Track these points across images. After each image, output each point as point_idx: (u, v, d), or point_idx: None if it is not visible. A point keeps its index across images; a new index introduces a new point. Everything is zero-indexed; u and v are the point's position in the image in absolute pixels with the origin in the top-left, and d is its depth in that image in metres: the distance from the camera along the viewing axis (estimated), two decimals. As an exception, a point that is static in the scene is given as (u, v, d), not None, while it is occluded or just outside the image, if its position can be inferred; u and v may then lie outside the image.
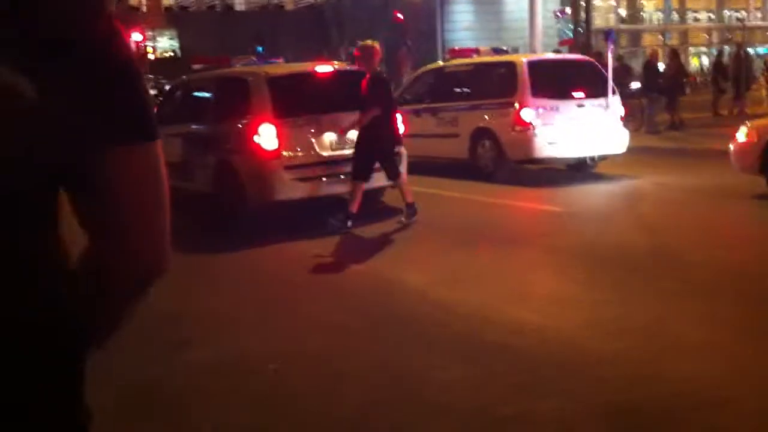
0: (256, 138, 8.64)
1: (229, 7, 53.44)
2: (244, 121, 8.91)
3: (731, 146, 9.50)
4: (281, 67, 10.77)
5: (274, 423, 3.85)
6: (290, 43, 41.00)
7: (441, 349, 4.70)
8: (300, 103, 9.02)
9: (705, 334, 4.77)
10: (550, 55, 12.40)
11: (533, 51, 23.46)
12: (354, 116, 8.51)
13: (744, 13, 65.34)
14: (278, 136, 8.63)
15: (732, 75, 21.15)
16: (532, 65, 11.37)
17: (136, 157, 1.02)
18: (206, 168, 9.39)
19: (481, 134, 11.71)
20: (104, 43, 0.99)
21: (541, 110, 11.07)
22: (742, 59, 21.92)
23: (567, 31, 43.91)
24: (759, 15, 66.34)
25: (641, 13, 62.92)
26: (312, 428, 3.83)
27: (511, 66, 11.57)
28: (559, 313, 5.31)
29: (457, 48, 19.58)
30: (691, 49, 63.01)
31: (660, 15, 63.04)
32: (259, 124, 8.65)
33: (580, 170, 12.05)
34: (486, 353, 4.58)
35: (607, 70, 11.79)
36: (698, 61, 61.69)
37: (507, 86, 11.43)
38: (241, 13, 53.26)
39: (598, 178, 11.70)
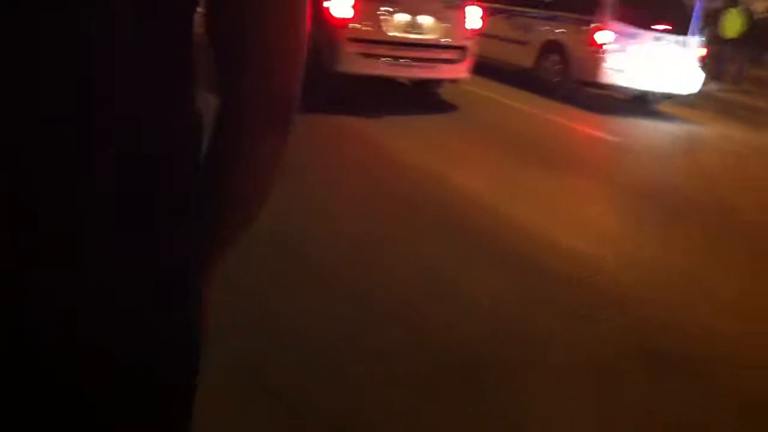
0: (327, 3, 8.41)
1: None
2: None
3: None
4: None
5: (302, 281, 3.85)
6: None
7: (484, 255, 4.65)
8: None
9: (736, 291, 4.70)
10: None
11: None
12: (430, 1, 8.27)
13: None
14: (351, 5, 8.40)
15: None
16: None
17: None
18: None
19: (551, 47, 11.36)
20: None
21: (617, 35, 10.68)
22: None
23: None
24: None
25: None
26: (346, 309, 3.83)
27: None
28: (599, 242, 5.23)
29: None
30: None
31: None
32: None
33: (642, 104, 11.76)
34: (523, 268, 4.53)
35: (694, 7, 11.28)
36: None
37: (587, 3, 11.00)
38: None
39: (660, 116, 11.42)
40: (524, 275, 4.41)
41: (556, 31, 11.32)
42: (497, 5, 12.02)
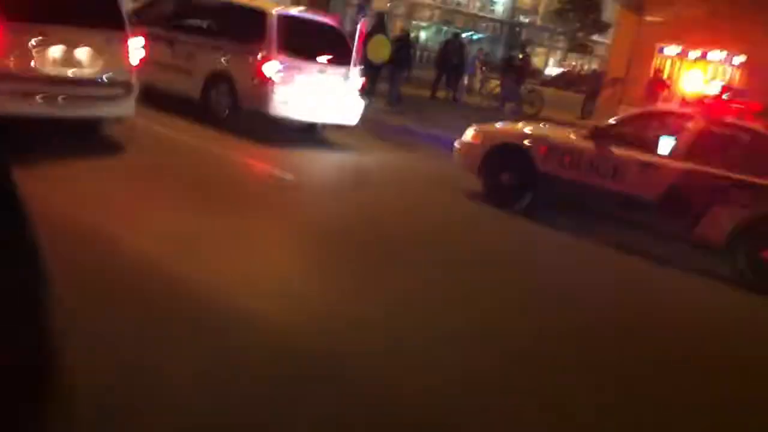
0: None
1: None
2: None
3: (456, 144, 9.96)
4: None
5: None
6: None
7: (166, 329, 4.31)
8: (27, 7, 7.86)
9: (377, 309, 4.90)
10: (301, 12, 12.09)
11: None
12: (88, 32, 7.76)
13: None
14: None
15: (444, 61, 22.25)
16: (282, 19, 11.01)
17: None
18: None
19: (218, 77, 11.17)
20: None
21: (283, 67, 10.78)
22: (457, 48, 23.29)
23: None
24: (478, 4, 70.90)
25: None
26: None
27: (260, 15, 11.08)
28: (294, 307, 5.16)
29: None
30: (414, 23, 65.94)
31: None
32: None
33: (311, 133, 12.03)
34: (209, 337, 4.29)
35: (353, 40, 11.79)
36: (418, 34, 64.77)
37: (253, 34, 10.97)
38: None
39: (328, 145, 11.77)
40: (217, 349, 4.16)
41: (223, 60, 11.17)
42: (162, 32, 11.55)
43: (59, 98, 7.98)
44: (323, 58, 11.30)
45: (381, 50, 16.55)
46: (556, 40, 66.77)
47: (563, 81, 44.78)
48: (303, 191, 8.62)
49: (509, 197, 9.23)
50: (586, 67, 60.24)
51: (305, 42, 11.21)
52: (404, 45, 19.24)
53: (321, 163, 10.67)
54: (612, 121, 8.92)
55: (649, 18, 26.58)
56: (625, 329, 6.01)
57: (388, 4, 61.45)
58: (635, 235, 8.68)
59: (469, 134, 9.77)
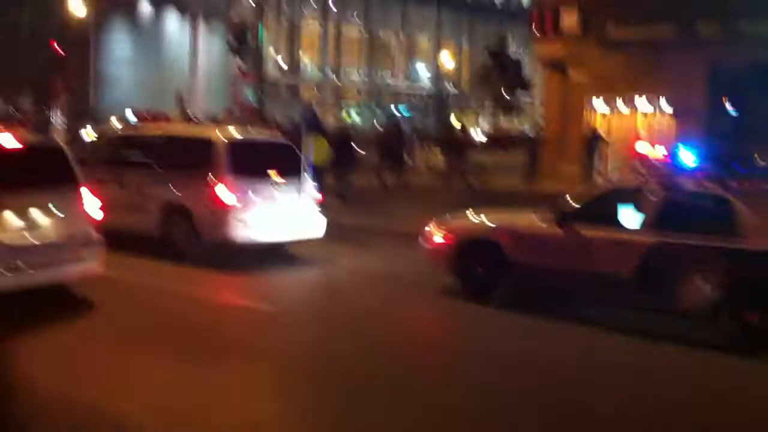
0: None
1: None
2: None
3: (422, 242, 9.96)
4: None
5: None
6: None
7: None
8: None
9: None
10: (246, 134, 12.01)
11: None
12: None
13: (391, 76, 71.01)
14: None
15: (385, 147, 22.41)
16: (232, 145, 10.99)
17: None
18: None
19: (173, 210, 11.03)
20: None
21: (238, 191, 10.70)
22: (395, 131, 23.68)
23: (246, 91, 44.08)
24: (404, 78, 72.37)
25: (300, 66, 65.34)
26: None
27: (208, 143, 11.04)
28: None
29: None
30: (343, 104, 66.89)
31: (316, 70, 65.97)
32: None
33: (272, 250, 11.86)
34: None
35: (301, 150, 11.75)
36: (349, 116, 65.61)
37: (203, 163, 10.90)
38: None
39: (296, 262, 11.61)
40: None
41: (177, 192, 11.04)
42: (112, 173, 11.37)
43: (20, 265, 7.71)
44: (276, 175, 11.21)
45: (322, 152, 16.58)
46: (481, 104, 68.29)
47: (497, 144, 45.60)
48: (278, 322, 8.38)
49: (486, 291, 9.20)
50: (518, 125, 61.74)
51: (256, 162, 11.16)
52: (345, 141, 19.34)
53: (291, 284, 10.51)
54: (575, 203, 9.00)
55: (574, 75, 27.42)
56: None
57: (315, 93, 62.47)
58: (619, 312, 8.71)
59: (435, 233, 9.78)
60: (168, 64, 56.46)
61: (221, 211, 10.66)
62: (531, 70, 57.13)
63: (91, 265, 8.38)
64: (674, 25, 24.09)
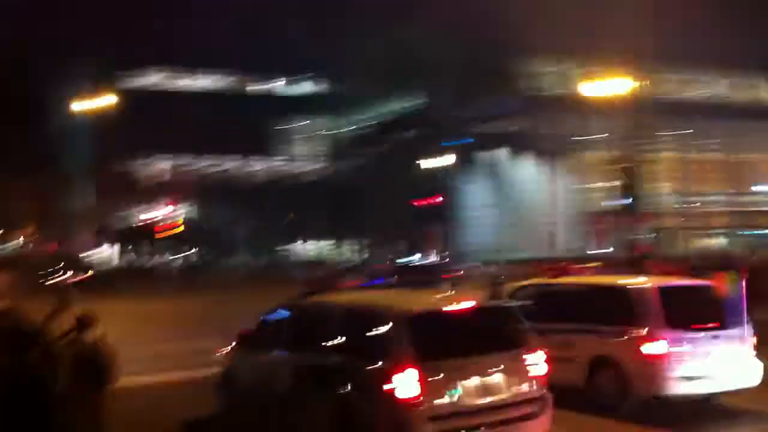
0: (390, 385, 7.66)
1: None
2: (378, 365, 7.95)
3: None
4: (420, 302, 9.55)
5: None
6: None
7: None
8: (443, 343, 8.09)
9: None
10: (677, 280, 11.54)
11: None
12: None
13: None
14: (416, 380, 7.65)
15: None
16: (664, 291, 10.56)
17: None
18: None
19: (601, 362, 10.71)
20: None
21: (673, 342, 10.14)
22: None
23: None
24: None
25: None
26: None
27: (636, 291, 10.73)
28: None
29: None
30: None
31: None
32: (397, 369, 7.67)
33: (701, 402, 10.97)
34: None
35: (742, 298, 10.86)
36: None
37: (630, 312, 10.54)
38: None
39: (728, 414, 10.60)
40: None
41: (603, 344, 10.72)
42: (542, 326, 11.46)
43: (482, 428, 7.88)
44: (713, 323, 10.48)
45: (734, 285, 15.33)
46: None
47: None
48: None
49: None
50: None
51: (688, 309, 10.54)
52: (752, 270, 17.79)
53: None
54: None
55: None
56: None
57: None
58: None
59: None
60: (524, 204, 57.88)
61: (653, 364, 10.13)
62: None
63: (545, 424, 8.30)
64: None
